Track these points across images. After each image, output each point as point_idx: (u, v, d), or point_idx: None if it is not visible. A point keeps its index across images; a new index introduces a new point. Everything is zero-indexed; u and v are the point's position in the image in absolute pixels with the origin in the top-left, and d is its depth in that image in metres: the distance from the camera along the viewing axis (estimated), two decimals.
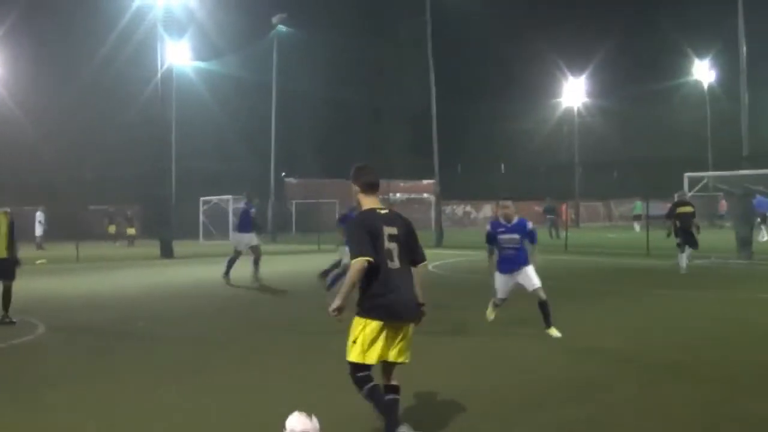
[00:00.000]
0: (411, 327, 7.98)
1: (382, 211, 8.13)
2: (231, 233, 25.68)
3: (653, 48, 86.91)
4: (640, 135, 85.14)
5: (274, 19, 58.53)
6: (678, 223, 25.83)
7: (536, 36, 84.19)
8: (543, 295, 13.96)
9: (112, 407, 9.68)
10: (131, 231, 52.27)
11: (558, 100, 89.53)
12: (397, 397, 8.02)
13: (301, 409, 7.70)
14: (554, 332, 13.89)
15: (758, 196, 40.83)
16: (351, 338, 7.80)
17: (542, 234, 46.62)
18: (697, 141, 77.85)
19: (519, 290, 14.22)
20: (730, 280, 23.16)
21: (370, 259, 7.68)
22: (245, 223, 25.53)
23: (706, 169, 44.23)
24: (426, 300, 7.97)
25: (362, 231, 7.91)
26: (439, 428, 8.53)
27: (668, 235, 26.17)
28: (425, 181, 74.42)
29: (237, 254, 25.26)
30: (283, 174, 68.67)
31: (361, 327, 7.75)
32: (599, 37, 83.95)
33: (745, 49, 35.21)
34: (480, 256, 30.59)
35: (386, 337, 7.77)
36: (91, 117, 61.19)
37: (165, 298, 21.87)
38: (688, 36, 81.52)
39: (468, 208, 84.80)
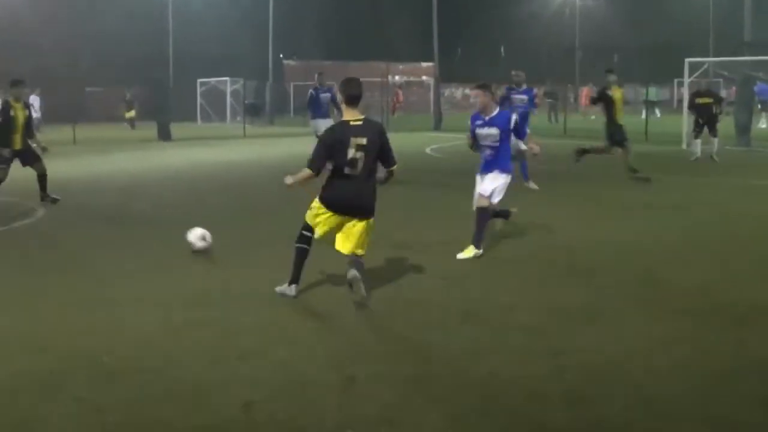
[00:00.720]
0: (362, 225, 9.01)
1: (356, 123, 9.05)
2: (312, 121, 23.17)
3: None
4: (642, 19, 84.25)
5: None
6: (697, 114, 25.48)
7: None
8: (484, 204, 11.48)
9: (110, 290, 9.79)
10: (131, 114, 51.87)
11: None
12: (360, 260, 8.98)
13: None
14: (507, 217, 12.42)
15: (759, 83, 40.65)
16: (314, 210, 9.12)
17: (542, 118, 47.03)
18: (699, 26, 77.14)
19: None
20: (728, 167, 23.17)
21: (314, 174, 8.96)
22: (315, 108, 23.52)
23: (707, 55, 43.80)
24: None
25: (326, 144, 9.08)
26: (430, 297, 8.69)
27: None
28: (425, 64, 73.84)
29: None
30: (281, 56, 68.07)
31: (319, 209, 9.07)
32: None
33: None
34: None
35: (338, 225, 9.06)
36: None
37: (163, 181, 21.92)
38: None
39: (467, 91, 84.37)
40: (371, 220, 9.09)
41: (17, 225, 14.64)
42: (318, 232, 9.07)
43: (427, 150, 29.82)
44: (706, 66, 30.50)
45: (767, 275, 10.40)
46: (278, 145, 25.67)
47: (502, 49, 51.92)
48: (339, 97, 9.32)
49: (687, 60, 30.69)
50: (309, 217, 9.15)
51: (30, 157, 16.89)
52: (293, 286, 9.25)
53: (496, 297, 9.39)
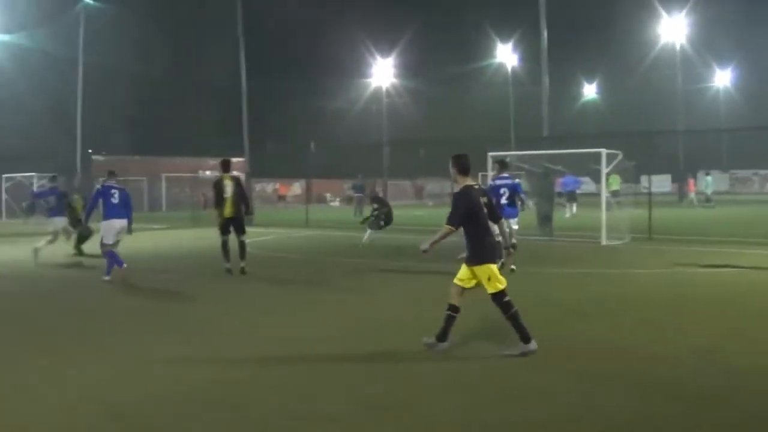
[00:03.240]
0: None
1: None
2: None
3: (460, 31, 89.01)
4: (446, 115, 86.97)
5: None
6: None
7: (346, 15, 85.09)
8: None
9: None
10: None
11: (368, 79, 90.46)
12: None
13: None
14: None
15: (566, 175, 42.36)
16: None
17: (350, 212, 47.73)
18: (501, 121, 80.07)
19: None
20: (531, 257, 23.86)
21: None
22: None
23: (510, 149, 45.48)
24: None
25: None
26: None
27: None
28: (235, 159, 73.93)
29: None
30: (90, 151, 67.10)
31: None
32: (408, 19, 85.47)
33: (546, 33, 36.36)
34: (288, 233, 30.82)
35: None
36: None
37: None
38: (492, 20, 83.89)
39: (278, 186, 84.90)
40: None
41: None
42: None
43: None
44: (507, 159, 31.55)
45: (564, 359, 10.83)
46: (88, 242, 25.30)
47: (312, 145, 52.62)
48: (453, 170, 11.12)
49: (489, 154, 31.74)
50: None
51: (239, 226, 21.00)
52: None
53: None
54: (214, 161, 77.39)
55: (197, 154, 70.39)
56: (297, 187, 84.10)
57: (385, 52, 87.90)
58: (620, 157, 29.02)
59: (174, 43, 79.25)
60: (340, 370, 10.18)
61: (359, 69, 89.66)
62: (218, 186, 20.88)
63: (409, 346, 11.17)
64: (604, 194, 29.42)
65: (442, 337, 10.95)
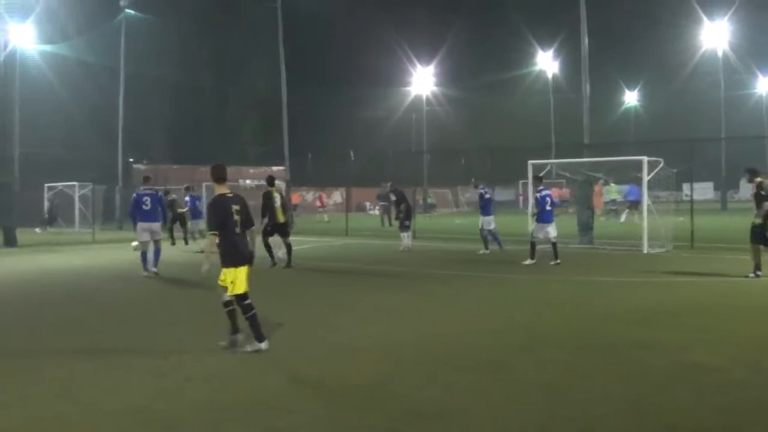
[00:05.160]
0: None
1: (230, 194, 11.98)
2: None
3: (499, 39, 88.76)
4: (486, 123, 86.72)
5: (122, 2, 57.14)
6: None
7: (386, 24, 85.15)
8: None
9: None
10: None
11: (407, 88, 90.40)
12: None
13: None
14: None
15: (631, 185, 43.10)
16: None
17: (376, 221, 47.82)
18: (542, 129, 79.76)
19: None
20: (573, 264, 23.78)
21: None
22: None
23: (550, 156, 45.35)
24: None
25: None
26: None
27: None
28: (275, 168, 74.26)
29: None
30: (131, 160, 67.46)
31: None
32: (447, 27, 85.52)
33: (587, 41, 36.17)
34: (329, 242, 30.83)
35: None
36: None
37: (9, 289, 21.33)
38: (532, 27, 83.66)
39: (318, 194, 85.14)
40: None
41: None
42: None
43: (279, 254, 29.82)
44: (549, 167, 31.46)
45: (610, 365, 10.75)
46: (127, 250, 25.47)
47: (351, 153, 52.60)
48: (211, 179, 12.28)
49: (530, 162, 31.63)
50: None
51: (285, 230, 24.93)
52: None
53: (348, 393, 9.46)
54: (255, 170, 78.02)
55: (237, 163, 70.60)
56: (337, 195, 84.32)
57: (425, 61, 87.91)
58: (662, 164, 28.81)
59: (214, 53, 79.69)
60: (383, 378, 10.16)
61: (399, 78, 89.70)
62: (268, 197, 24.26)
63: (449, 355, 11.14)
64: (646, 202, 29.18)
65: (234, 330, 11.97)
